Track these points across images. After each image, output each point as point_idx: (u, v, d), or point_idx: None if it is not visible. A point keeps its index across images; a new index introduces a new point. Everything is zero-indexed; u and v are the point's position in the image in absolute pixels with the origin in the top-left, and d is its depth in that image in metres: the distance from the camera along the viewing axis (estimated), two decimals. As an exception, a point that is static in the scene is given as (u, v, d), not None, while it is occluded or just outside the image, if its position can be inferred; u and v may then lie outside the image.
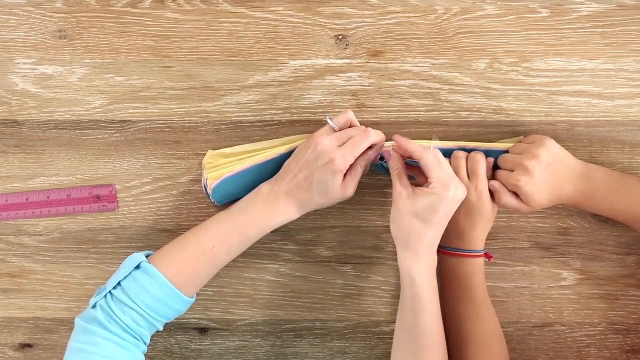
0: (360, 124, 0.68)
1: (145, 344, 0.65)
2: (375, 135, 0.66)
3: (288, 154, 0.68)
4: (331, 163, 0.63)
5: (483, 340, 0.69)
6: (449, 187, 0.63)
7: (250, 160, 0.69)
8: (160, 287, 0.63)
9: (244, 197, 0.68)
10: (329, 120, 0.66)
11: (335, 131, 0.66)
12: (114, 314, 0.62)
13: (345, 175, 0.65)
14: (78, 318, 0.63)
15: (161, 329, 0.66)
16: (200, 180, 0.74)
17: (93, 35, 0.72)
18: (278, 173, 0.68)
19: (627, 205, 0.67)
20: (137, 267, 0.64)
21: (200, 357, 0.77)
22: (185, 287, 0.64)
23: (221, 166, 0.70)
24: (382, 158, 0.69)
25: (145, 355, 0.64)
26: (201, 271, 0.65)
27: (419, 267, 0.64)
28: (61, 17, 0.72)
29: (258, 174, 0.69)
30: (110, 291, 0.63)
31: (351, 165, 0.65)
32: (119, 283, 0.63)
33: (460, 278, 0.70)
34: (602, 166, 0.70)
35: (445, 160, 0.65)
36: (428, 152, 0.65)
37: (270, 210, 0.66)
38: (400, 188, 0.65)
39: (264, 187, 0.67)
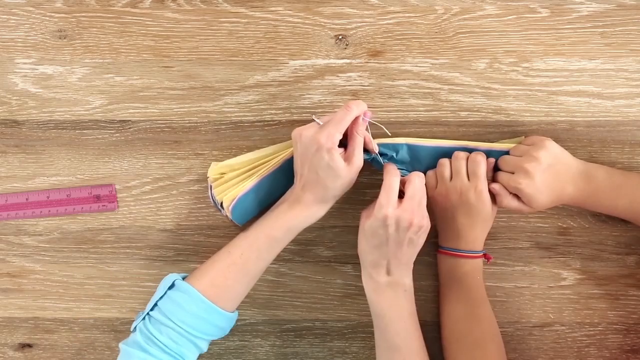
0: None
1: None
2: (357, 107, 0.65)
3: (292, 159, 0.68)
4: (319, 146, 0.63)
5: (479, 341, 0.69)
6: (380, 209, 0.64)
7: (259, 174, 0.69)
8: (194, 302, 0.63)
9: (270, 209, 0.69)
10: (315, 118, 0.66)
11: None
12: (152, 335, 0.61)
13: (346, 149, 0.66)
14: (121, 343, 0.63)
15: (205, 349, 0.66)
16: (200, 179, 0.74)
17: (93, 35, 0.72)
18: (297, 176, 0.67)
19: (629, 202, 0.68)
20: (172, 286, 0.64)
21: (200, 357, 0.77)
22: (220, 300, 0.64)
23: (230, 182, 0.70)
24: (381, 154, 0.69)
25: None
26: (234, 281, 0.65)
27: (371, 287, 0.68)
28: (61, 17, 0.72)
29: (269, 185, 0.69)
30: (148, 313, 0.63)
31: (350, 137, 0.66)
32: (156, 304, 0.63)
33: (459, 278, 0.71)
34: (603, 165, 0.70)
35: (419, 184, 0.66)
36: (415, 177, 0.66)
37: (292, 210, 0.66)
38: (367, 209, 0.67)
39: (286, 194, 0.68)
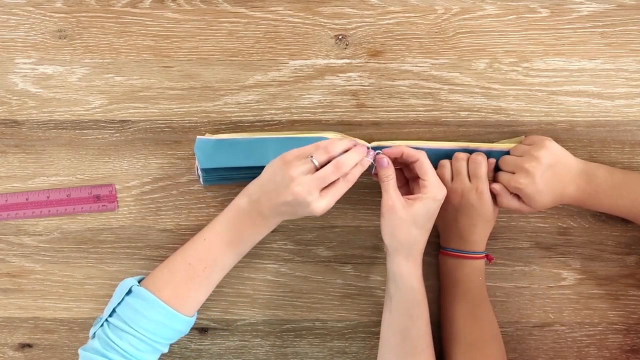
0: (360, 125, 0.68)
1: None
2: (347, 164, 0.63)
3: (279, 142, 0.68)
4: (313, 211, 0.62)
5: (479, 342, 0.69)
6: (442, 190, 0.65)
7: (242, 134, 0.70)
8: (156, 310, 0.63)
9: (222, 213, 0.66)
10: (313, 160, 0.62)
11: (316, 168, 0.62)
12: (112, 341, 0.62)
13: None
14: (80, 349, 0.63)
15: (166, 350, 0.66)
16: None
17: (93, 35, 0.72)
18: (255, 187, 0.64)
19: (630, 200, 0.67)
20: (130, 292, 0.64)
21: (200, 357, 0.77)
22: (182, 308, 0.64)
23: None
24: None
25: None
26: (196, 292, 0.65)
27: (417, 274, 0.67)
28: (61, 17, 0.72)
29: (247, 149, 0.68)
30: (107, 319, 0.63)
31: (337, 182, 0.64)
32: (114, 310, 0.63)
33: (460, 279, 0.71)
34: (603, 164, 0.70)
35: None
36: (424, 155, 0.66)
37: (258, 227, 0.65)
38: (395, 199, 0.65)
39: (242, 202, 0.64)
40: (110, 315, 0.63)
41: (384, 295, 0.69)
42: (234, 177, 0.70)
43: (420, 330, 0.66)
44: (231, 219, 0.65)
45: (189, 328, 0.67)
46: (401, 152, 0.66)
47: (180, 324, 0.64)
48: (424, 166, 0.65)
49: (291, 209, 0.63)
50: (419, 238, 0.66)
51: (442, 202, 0.66)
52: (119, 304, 0.63)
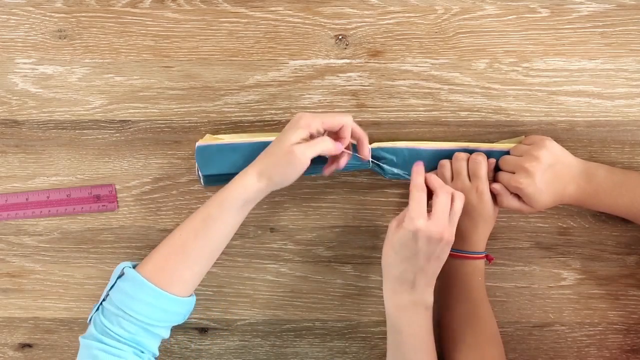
0: (360, 125, 0.68)
1: (152, 354, 0.64)
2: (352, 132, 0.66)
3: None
4: (288, 137, 0.63)
5: (480, 343, 0.69)
6: (412, 222, 0.62)
7: (242, 138, 0.70)
8: (141, 289, 0.62)
9: None
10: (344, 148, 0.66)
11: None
12: (105, 326, 0.61)
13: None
14: (81, 337, 0.63)
15: (165, 335, 0.65)
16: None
17: (93, 35, 0.72)
18: None
19: (631, 199, 0.67)
20: (122, 274, 0.64)
21: (200, 357, 0.77)
22: (167, 285, 0.62)
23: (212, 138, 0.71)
24: (381, 158, 0.69)
25: None
26: (175, 263, 0.63)
27: (388, 295, 0.65)
28: (61, 17, 0.72)
29: (248, 154, 0.68)
30: (101, 303, 0.63)
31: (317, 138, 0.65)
32: (107, 294, 0.63)
33: (460, 279, 0.71)
34: (603, 164, 0.70)
35: (459, 201, 0.65)
36: (443, 193, 0.63)
37: (230, 190, 0.63)
38: (398, 217, 0.64)
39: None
40: (104, 300, 0.63)
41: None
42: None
43: (407, 344, 0.66)
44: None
45: (187, 311, 0.65)
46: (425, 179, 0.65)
47: (170, 304, 0.63)
48: (411, 193, 0.64)
49: (270, 148, 0.64)
50: (393, 264, 0.64)
51: (420, 237, 0.61)
52: (112, 287, 0.63)
